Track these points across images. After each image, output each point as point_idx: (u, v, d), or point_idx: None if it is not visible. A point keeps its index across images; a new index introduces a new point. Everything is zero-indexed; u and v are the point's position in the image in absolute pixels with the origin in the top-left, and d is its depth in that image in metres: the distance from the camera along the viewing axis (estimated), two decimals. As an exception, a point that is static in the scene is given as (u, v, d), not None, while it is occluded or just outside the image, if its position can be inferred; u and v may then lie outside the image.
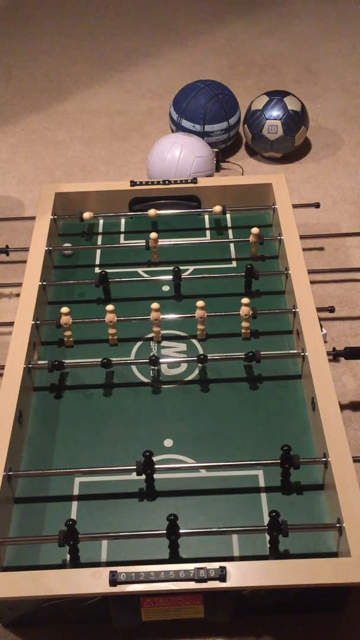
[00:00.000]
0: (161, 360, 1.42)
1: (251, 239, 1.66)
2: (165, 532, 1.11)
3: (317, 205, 1.89)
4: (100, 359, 1.41)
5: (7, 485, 1.20)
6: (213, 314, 1.50)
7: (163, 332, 1.51)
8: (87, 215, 1.76)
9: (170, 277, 1.61)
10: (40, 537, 1.18)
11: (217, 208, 1.76)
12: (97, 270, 1.70)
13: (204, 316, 1.47)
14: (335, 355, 1.44)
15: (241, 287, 1.61)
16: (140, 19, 3.17)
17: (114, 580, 1.04)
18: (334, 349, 1.45)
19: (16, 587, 1.05)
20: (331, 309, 1.62)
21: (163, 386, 1.43)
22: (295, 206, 1.75)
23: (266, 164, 2.27)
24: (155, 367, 1.44)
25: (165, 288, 1.63)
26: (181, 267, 1.67)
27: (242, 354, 1.41)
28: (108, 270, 1.69)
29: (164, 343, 1.51)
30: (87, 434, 1.34)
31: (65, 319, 1.47)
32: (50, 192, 1.80)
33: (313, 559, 1.08)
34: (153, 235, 1.65)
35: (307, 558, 1.09)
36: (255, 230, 1.64)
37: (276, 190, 1.77)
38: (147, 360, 1.41)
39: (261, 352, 1.41)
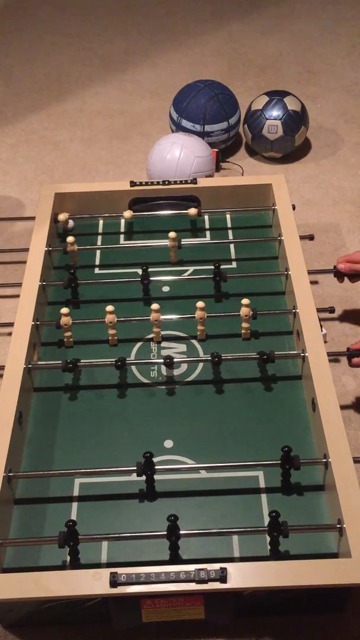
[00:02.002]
0: (175, 360, 1.42)
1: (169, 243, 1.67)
2: (165, 533, 1.11)
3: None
4: (114, 359, 1.41)
5: (7, 486, 1.20)
6: (213, 314, 1.50)
7: (163, 332, 1.51)
8: (62, 217, 1.75)
9: (170, 277, 1.61)
10: (41, 538, 1.18)
11: (192, 211, 1.75)
12: (97, 270, 1.70)
13: (204, 317, 1.47)
14: (350, 356, 1.45)
15: (241, 288, 1.60)
16: (140, 19, 3.17)
17: (114, 582, 1.04)
18: (348, 349, 1.45)
19: (16, 588, 1.05)
20: (331, 310, 1.62)
21: (163, 387, 1.43)
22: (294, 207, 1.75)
23: (266, 164, 2.27)
24: (172, 369, 1.44)
25: (165, 288, 1.63)
26: (181, 268, 1.68)
27: (256, 354, 1.41)
28: (108, 271, 1.69)
29: (163, 344, 1.51)
30: (87, 435, 1.34)
31: (65, 320, 1.47)
32: (50, 192, 1.80)
33: (313, 560, 1.08)
34: (172, 234, 1.66)
35: (308, 559, 1.09)
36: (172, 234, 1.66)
37: (276, 190, 1.77)
38: (162, 361, 1.41)
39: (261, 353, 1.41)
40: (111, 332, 1.49)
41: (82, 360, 1.42)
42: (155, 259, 1.70)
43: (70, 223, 1.75)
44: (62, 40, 3.03)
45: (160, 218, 1.80)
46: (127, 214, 1.75)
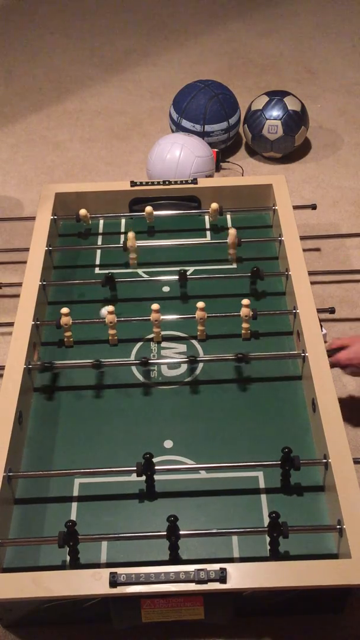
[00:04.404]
0: (161, 361, 1.42)
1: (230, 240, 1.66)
2: (165, 533, 1.11)
3: (313, 207, 1.90)
4: (92, 360, 1.41)
5: (7, 486, 1.20)
6: (213, 314, 1.50)
7: (163, 332, 1.51)
8: (82, 212, 1.75)
9: (170, 277, 1.61)
10: (40, 538, 1.18)
11: (214, 205, 1.75)
12: (97, 270, 1.70)
13: (204, 317, 1.47)
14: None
15: (241, 288, 1.61)
16: (140, 19, 3.17)
17: (114, 582, 1.04)
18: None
19: (16, 588, 1.05)
20: (331, 310, 1.62)
21: (163, 387, 1.43)
22: (294, 207, 1.75)
23: (266, 164, 2.27)
24: (147, 368, 1.44)
25: (166, 289, 1.63)
26: (181, 268, 1.67)
27: (233, 355, 1.41)
28: (108, 271, 1.69)
29: (163, 344, 1.51)
30: (87, 435, 1.34)
31: (65, 320, 1.47)
32: (50, 192, 1.80)
33: (313, 561, 1.08)
34: (148, 209, 1.68)
35: (308, 559, 1.09)
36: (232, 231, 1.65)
37: (276, 191, 1.77)
38: (139, 362, 1.41)
39: (261, 354, 1.40)
40: (111, 332, 1.49)
41: (57, 362, 1.42)
42: (156, 259, 1.70)
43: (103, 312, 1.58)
44: (62, 40, 3.03)
45: (160, 218, 1.80)
46: (149, 209, 1.75)
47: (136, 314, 1.53)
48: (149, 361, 1.41)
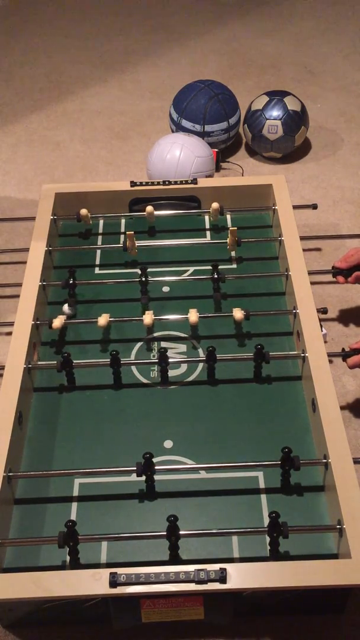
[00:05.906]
0: (178, 360, 1.42)
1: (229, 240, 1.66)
2: (165, 533, 1.11)
3: (314, 207, 1.90)
4: (108, 360, 1.40)
5: (7, 486, 1.20)
6: (212, 315, 1.50)
7: (163, 333, 1.51)
8: (83, 212, 1.75)
9: (170, 277, 1.61)
10: (40, 538, 1.18)
11: (215, 205, 1.75)
12: (97, 270, 1.70)
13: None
14: (345, 356, 1.44)
15: (241, 288, 1.60)
16: (140, 19, 3.17)
17: (114, 582, 1.04)
18: (343, 349, 1.45)
19: (16, 588, 1.05)
20: (324, 311, 1.61)
21: (163, 387, 1.42)
22: (294, 207, 1.75)
23: (266, 164, 2.27)
24: (161, 367, 1.43)
25: (165, 289, 1.63)
26: (181, 268, 1.68)
27: (251, 353, 1.40)
28: (108, 271, 1.69)
29: (163, 344, 1.51)
30: (87, 435, 1.34)
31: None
32: (50, 192, 1.80)
33: (313, 561, 1.08)
34: (149, 209, 1.70)
35: (308, 560, 1.09)
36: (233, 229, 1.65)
37: (276, 191, 1.77)
38: (156, 360, 1.40)
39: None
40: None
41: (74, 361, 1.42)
42: (156, 258, 1.70)
43: (66, 309, 1.59)
44: (62, 40, 3.03)
45: (159, 218, 1.80)
46: (149, 209, 1.75)
47: (136, 314, 1.53)
48: (169, 360, 1.40)
